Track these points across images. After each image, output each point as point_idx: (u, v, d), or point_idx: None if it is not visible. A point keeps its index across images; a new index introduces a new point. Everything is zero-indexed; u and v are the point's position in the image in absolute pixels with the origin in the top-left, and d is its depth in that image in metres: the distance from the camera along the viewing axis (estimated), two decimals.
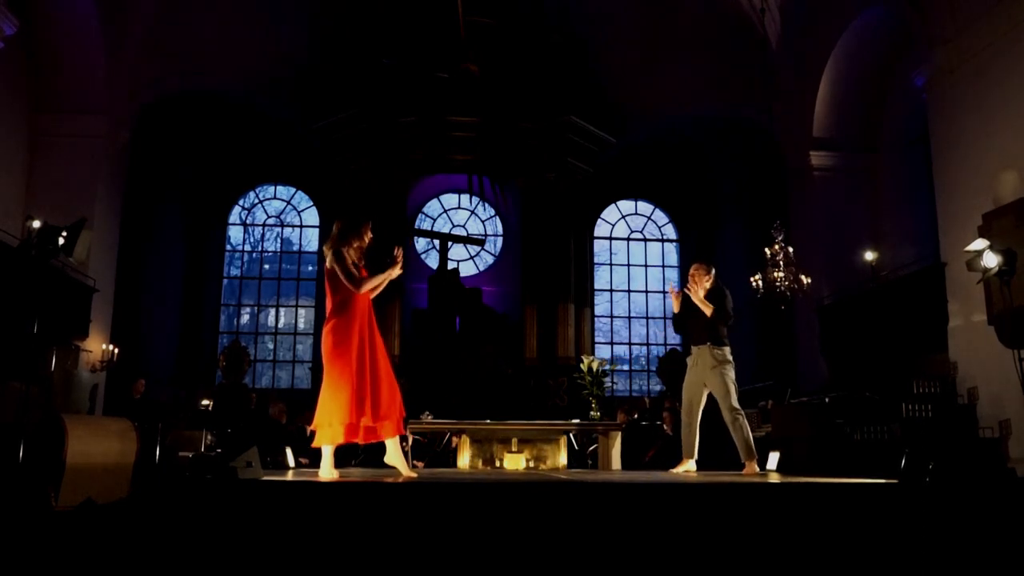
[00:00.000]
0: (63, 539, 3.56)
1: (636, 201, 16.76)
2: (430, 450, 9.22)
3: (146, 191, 14.10)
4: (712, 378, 5.75)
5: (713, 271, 6.02)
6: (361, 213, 4.65)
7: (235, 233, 16.12)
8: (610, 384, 9.64)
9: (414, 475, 4.63)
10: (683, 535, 3.40)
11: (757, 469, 5.70)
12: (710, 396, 5.91)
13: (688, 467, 5.85)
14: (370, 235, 4.66)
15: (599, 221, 16.41)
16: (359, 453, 8.74)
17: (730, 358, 5.77)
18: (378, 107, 12.82)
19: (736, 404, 5.70)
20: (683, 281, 6.33)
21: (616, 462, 7.69)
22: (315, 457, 8.94)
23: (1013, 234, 7.87)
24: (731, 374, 5.76)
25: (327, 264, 4.51)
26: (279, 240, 16.26)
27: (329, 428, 4.38)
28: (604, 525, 3.41)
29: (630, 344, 16.50)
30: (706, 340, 5.79)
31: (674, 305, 6.06)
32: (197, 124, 14.64)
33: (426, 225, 15.88)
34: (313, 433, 4.72)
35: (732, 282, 15.67)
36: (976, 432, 8.67)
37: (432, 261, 14.97)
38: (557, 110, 13.01)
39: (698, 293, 5.86)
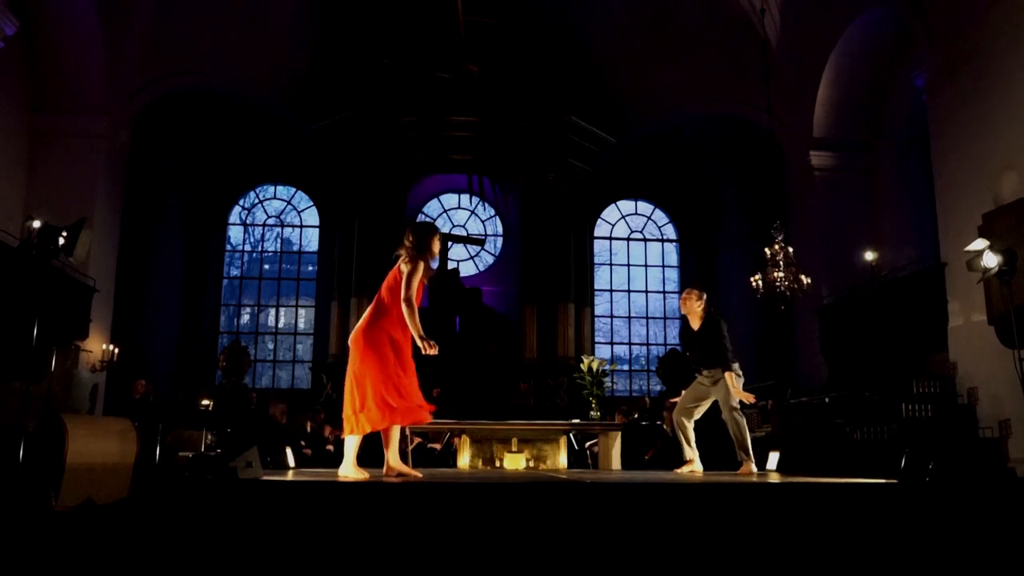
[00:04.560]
0: (63, 539, 3.56)
1: (636, 201, 16.76)
2: (436, 441, 9.30)
3: (146, 191, 14.10)
4: (719, 388, 5.82)
5: (705, 296, 6.02)
6: (432, 225, 4.73)
7: (235, 233, 16.12)
8: (610, 384, 9.64)
9: (419, 475, 4.64)
10: (683, 535, 3.40)
11: (753, 468, 5.74)
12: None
13: (693, 468, 5.88)
14: (438, 246, 4.75)
15: (599, 221, 16.42)
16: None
17: (740, 372, 5.82)
18: (378, 107, 12.82)
19: (736, 405, 5.77)
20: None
21: (616, 462, 7.69)
22: (316, 449, 9.06)
23: (1013, 234, 7.86)
24: (737, 384, 5.81)
25: (399, 267, 4.56)
26: (279, 240, 16.26)
27: (362, 413, 4.39)
28: (604, 525, 3.41)
29: (630, 344, 16.50)
30: (715, 364, 5.81)
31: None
32: (197, 124, 14.64)
33: None
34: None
35: (732, 282, 15.75)
36: (976, 432, 8.67)
37: (432, 261, 14.94)
38: (557, 110, 13.01)
39: (740, 394, 5.80)
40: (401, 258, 4.61)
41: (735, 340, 6.08)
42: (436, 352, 4.49)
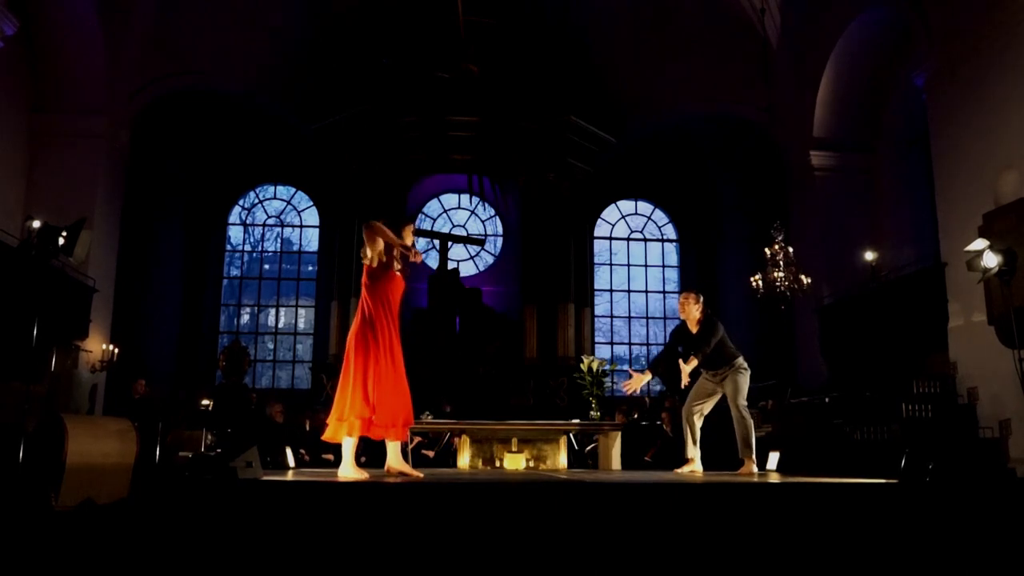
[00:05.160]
0: (63, 539, 3.56)
1: (636, 201, 16.76)
2: (435, 445, 9.28)
3: (146, 191, 14.10)
4: (726, 384, 5.86)
5: (702, 299, 6.09)
6: (402, 217, 4.84)
7: (235, 233, 16.12)
8: (610, 384, 9.64)
9: (420, 475, 4.64)
10: (683, 535, 3.40)
11: (754, 468, 5.75)
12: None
13: (694, 468, 5.88)
14: (411, 238, 4.85)
15: (599, 221, 16.41)
16: (360, 455, 8.81)
17: (746, 366, 5.86)
18: (378, 107, 12.82)
19: (744, 403, 5.83)
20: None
21: (616, 462, 7.70)
22: (314, 452, 9.05)
23: (1013, 234, 7.86)
24: (745, 379, 5.87)
25: (365, 262, 4.69)
26: (279, 240, 16.26)
27: (344, 422, 4.44)
28: (604, 525, 3.41)
29: (630, 344, 16.49)
30: (721, 365, 5.87)
31: (635, 385, 6.08)
32: (197, 124, 14.64)
33: (426, 225, 15.87)
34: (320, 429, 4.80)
35: (732, 282, 15.72)
36: (976, 432, 8.67)
37: (432, 261, 14.97)
38: (557, 110, 13.01)
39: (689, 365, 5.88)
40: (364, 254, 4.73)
41: (735, 340, 6.10)
42: (421, 260, 4.69)
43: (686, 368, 5.84)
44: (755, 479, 4.78)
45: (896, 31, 11.58)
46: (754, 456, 5.79)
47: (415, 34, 13.03)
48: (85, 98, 12.10)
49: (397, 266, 4.72)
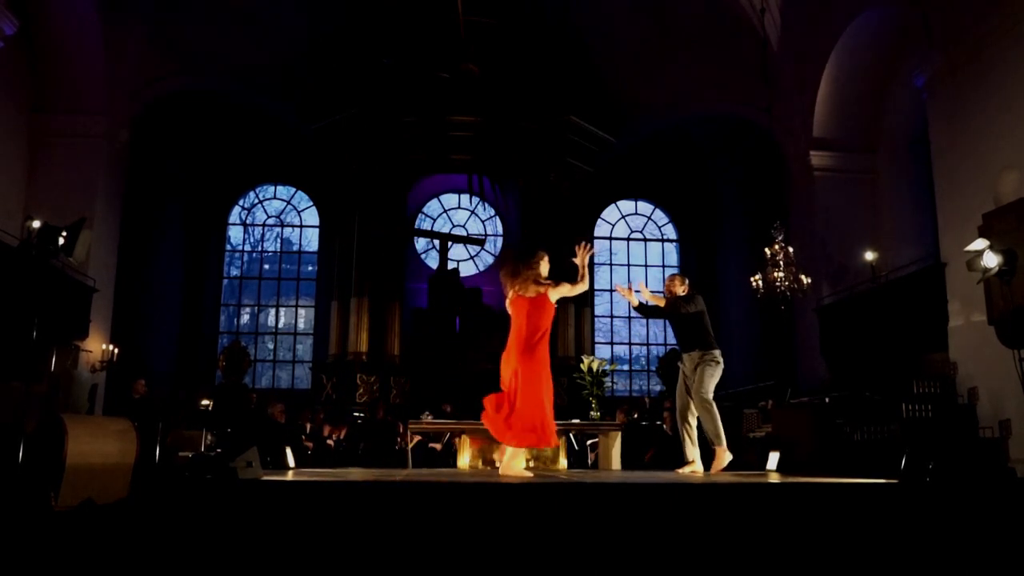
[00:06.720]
0: (63, 539, 3.56)
1: (636, 201, 16.77)
2: (436, 441, 9.33)
3: (146, 191, 14.10)
4: (696, 372, 5.85)
5: (687, 281, 6.20)
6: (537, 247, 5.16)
7: (235, 233, 16.13)
8: (610, 384, 9.63)
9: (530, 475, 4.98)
10: (683, 535, 3.40)
11: (727, 457, 5.76)
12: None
13: (695, 468, 5.87)
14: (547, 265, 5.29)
15: (599, 221, 16.42)
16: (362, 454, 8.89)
17: (719, 359, 5.84)
18: (378, 107, 12.82)
19: (707, 395, 5.80)
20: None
21: (616, 462, 7.69)
22: (318, 443, 9.12)
23: (1013, 234, 7.85)
24: (713, 371, 5.84)
25: (531, 294, 5.13)
26: (279, 240, 16.27)
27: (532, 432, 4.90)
28: (604, 525, 3.41)
29: (630, 344, 16.50)
30: (695, 347, 5.91)
31: (629, 298, 6.16)
32: (197, 124, 14.64)
33: (426, 225, 15.88)
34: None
35: (732, 282, 15.70)
36: (976, 432, 8.66)
37: (432, 261, 14.98)
38: (557, 110, 13.01)
39: (635, 294, 6.05)
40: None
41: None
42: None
43: (646, 290, 5.95)
44: (755, 479, 4.77)
45: (896, 31, 11.57)
46: (724, 442, 5.79)
47: (415, 34, 13.03)
48: (85, 98, 12.10)
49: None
